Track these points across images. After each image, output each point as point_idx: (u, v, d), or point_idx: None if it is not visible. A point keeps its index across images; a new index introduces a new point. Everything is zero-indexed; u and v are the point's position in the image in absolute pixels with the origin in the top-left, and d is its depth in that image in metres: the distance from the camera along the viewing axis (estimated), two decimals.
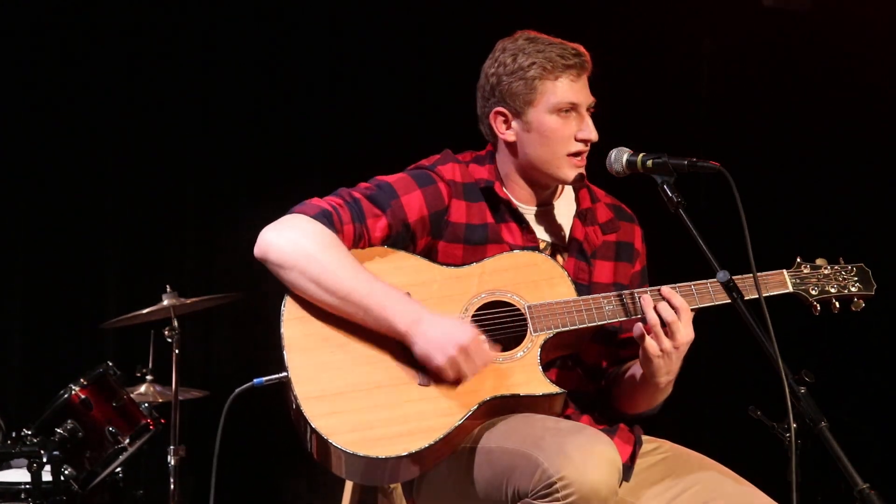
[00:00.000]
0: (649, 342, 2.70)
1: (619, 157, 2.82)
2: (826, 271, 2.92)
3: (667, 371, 2.73)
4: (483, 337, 2.72)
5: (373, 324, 2.69)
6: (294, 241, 2.71)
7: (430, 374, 2.69)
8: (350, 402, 2.64)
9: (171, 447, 4.90)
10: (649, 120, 5.77)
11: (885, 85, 6.03)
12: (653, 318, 2.70)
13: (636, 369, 2.83)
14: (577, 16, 5.69)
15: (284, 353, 2.68)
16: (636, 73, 5.88)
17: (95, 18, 5.70)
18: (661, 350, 2.70)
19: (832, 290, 2.90)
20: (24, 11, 5.59)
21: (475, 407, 2.66)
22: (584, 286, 2.85)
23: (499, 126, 2.89)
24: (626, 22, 6.04)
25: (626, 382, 2.89)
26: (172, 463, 4.90)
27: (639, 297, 2.76)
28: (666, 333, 2.69)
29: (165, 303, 4.95)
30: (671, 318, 2.68)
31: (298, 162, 5.95)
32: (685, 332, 2.70)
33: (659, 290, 2.76)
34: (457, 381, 2.67)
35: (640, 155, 2.78)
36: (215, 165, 5.94)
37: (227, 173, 5.96)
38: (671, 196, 2.70)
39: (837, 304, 2.90)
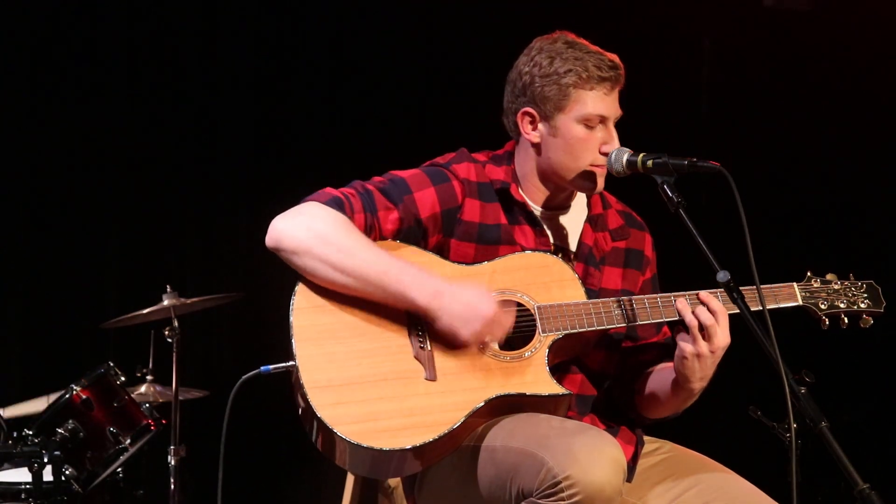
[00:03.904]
0: (685, 345, 2.70)
1: (620, 157, 2.82)
2: (836, 286, 2.92)
3: (701, 376, 2.74)
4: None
5: (392, 301, 2.69)
6: (306, 226, 2.71)
7: (436, 367, 2.69)
8: (356, 393, 2.64)
9: (172, 447, 4.90)
10: (649, 120, 5.76)
11: (886, 85, 6.03)
12: (691, 320, 2.70)
13: (666, 374, 2.83)
14: (578, 15, 5.68)
15: (293, 342, 2.68)
16: (636, 72, 5.87)
17: (96, 17, 5.69)
18: (698, 353, 2.69)
19: (842, 306, 2.90)
20: (25, 10, 5.58)
21: (480, 404, 2.67)
22: (592, 291, 2.86)
23: (525, 126, 2.89)
24: (626, 21, 6.03)
25: (654, 388, 2.89)
26: (173, 463, 4.90)
27: (674, 300, 2.76)
28: (703, 337, 2.69)
29: (165, 303, 4.95)
30: (710, 322, 2.68)
31: (300, 162, 5.94)
32: (722, 336, 2.70)
33: (697, 294, 2.75)
34: (482, 347, 2.68)
35: (641, 155, 2.79)
36: (216, 165, 5.94)
37: (227, 173, 5.96)
38: (671, 196, 2.71)
39: (846, 320, 2.90)
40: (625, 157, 2.81)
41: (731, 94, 6.25)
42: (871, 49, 6.01)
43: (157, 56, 5.80)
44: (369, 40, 5.99)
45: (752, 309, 2.63)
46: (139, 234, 5.81)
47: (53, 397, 4.57)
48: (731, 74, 6.27)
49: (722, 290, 2.69)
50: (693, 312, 2.70)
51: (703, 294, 2.74)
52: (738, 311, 2.66)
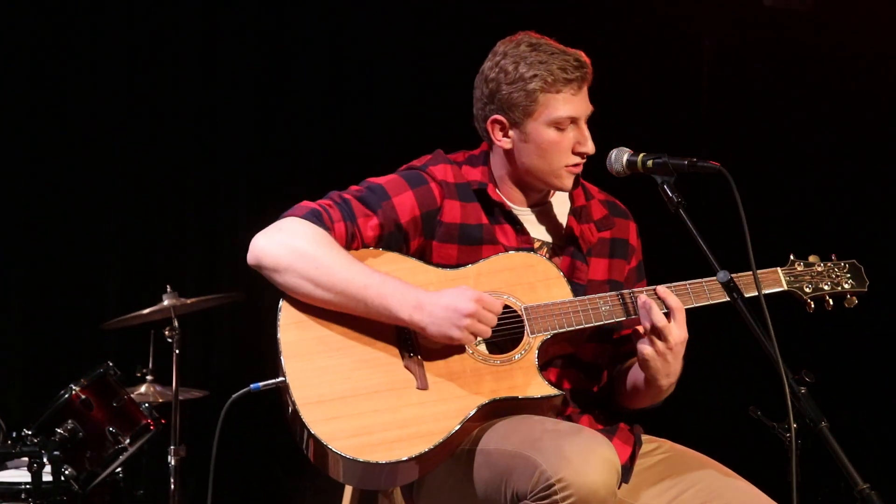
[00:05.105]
0: (644, 347, 2.71)
1: (620, 157, 2.82)
2: (819, 268, 2.92)
3: (666, 373, 2.74)
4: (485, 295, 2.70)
5: (374, 315, 2.68)
6: (285, 243, 2.70)
7: (426, 375, 2.68)
8: (348, 407, 2.63)
9: (172, 447, 4.90)
10: (649, 120, 5.77)
11: (885, 85, 6.03)
12: (645, 323, 2.71)
13: (638, 370, 2.83)
14: (577, 15, 5.69)
15: (281, 358, 2.67)
16: (636, 72, 5.88)
17: (97, 18, 5.69)
18: (656, 352, 2.70)
19: (826, 288, 2.90)
20: (26, 11, 5.58)
21: (473, 410, 2.66)
22: (580, 285, 2.85)
23: (495, 133, 2.87)
24: (626, 21, 6.04)
25: (628, 382, 2.89)
26: (173, 463, 4.90)
27: (635, 299, 2.76)
28: (659, 337, 2.70)
29: (165, 303, 4.95)
30: (661, 323, 2.69)
31: (298, 162, 5.95)
32: (678, 333, 2.70)
33: (655, 289, 2.76)
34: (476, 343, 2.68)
35: (641, 155, 2.78)
36: (215, 166, 5.94)
37: (227, 174, 5.97)
38: (671, 196, 2.71)
39: (831, 302, 2.91)
40: (625, 157, 2.81)
41: (731, 94, 6.25)
42: (871, 49, 6.01)
43: (157, 56, 5.80)
44: (368, 44, 5.99)
45: (746, 295, 2.64)
46: (139, 234, 5.81)
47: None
48: (731, 74, 6.27)
49: (698, 281, 2.75)
50: (648, 313, 2.70)
51: (661, 289, 2.75)
52: (699, 305, 2.73)
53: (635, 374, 2.86)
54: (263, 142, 5.98)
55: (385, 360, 2.70)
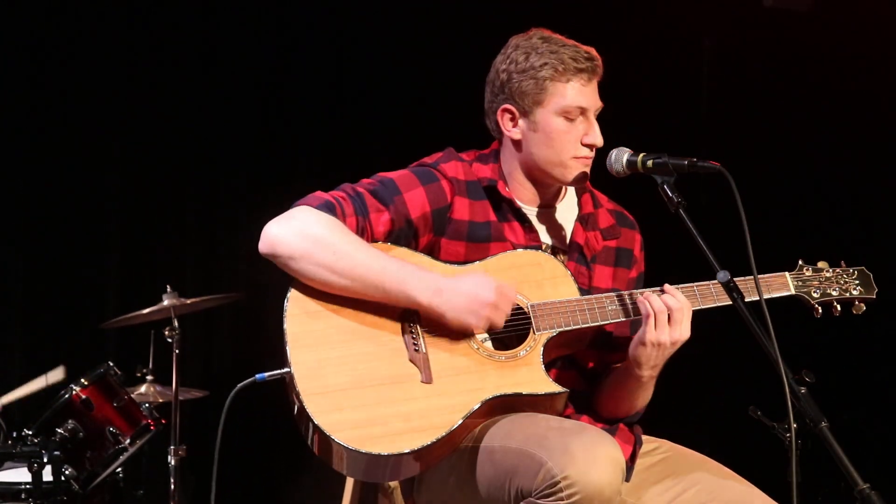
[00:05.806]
0: (648, 330, 2.71)
1: (620, 157, 2.82)
2: (828, 274, 2.93)
3: (653, 364, 2.75)
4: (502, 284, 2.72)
5: (392, 300, 2.69)
6: (301, 231, 2.71)
7: (431, 369, 2.69)
8: (353, 399, 2.64)
9: (172, 447, 4.91)
10: (649, 120, 5.77)
11: (885, 85, 6.03)
12: (659, 306, 2.71)
13: (621, 367, 2.84)
14: (577, 16, 5.68)
15: (287, 348, 2.67)
16: (636, 72, 5.88)
17: (97, 18, 5.69)
18: (658, 342, 2.70)
19: (834, 293, 2.91)
20: (26, 11, 5.58)
21: (477, 405, 2.67)
22: (583, 290, 2.86)
23: (505, 123, 2.88)
24: (626, 21, 6.04)
25: (609, 380, 2.89)
26: (173, 463, 4.90)
27: (642, 293, 2.77)
28: (669, 322, 2.70)
29: (165, 303, 4.95)
30: (677, 305, 2.70)
31: (299, 161, 5.95)
32: (685, 328, 2.71)
33: (662, 288, 2.77)
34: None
35: (641, 155, 2.79)
36: (215, 165, 5.94)
37: (227, 173, 5.96)
38: (671, 196, 2.71)
39: (839, 308, 2.92)
40: (625, 157, 2.81)
41: (731, 94, 6.25)
42: (871, 49, 6.01)
43: (157, 56, 5.80)
44: (367, 43, 5.99)
45: (747, 299, 2.64)
46: (139, 234, 5.81)
47: (41, 381, 4.57)
48: (731, 74, 6.27)
49: (705, 283, 2.75)
50: (662, 299, 2.72)
51: (668, 288, 2.76)
52: (705, 307, 2.73)
53: (618, 371, 2.87)
54: (263, 141, 5.98)
55: (390, 353, 2.70)
